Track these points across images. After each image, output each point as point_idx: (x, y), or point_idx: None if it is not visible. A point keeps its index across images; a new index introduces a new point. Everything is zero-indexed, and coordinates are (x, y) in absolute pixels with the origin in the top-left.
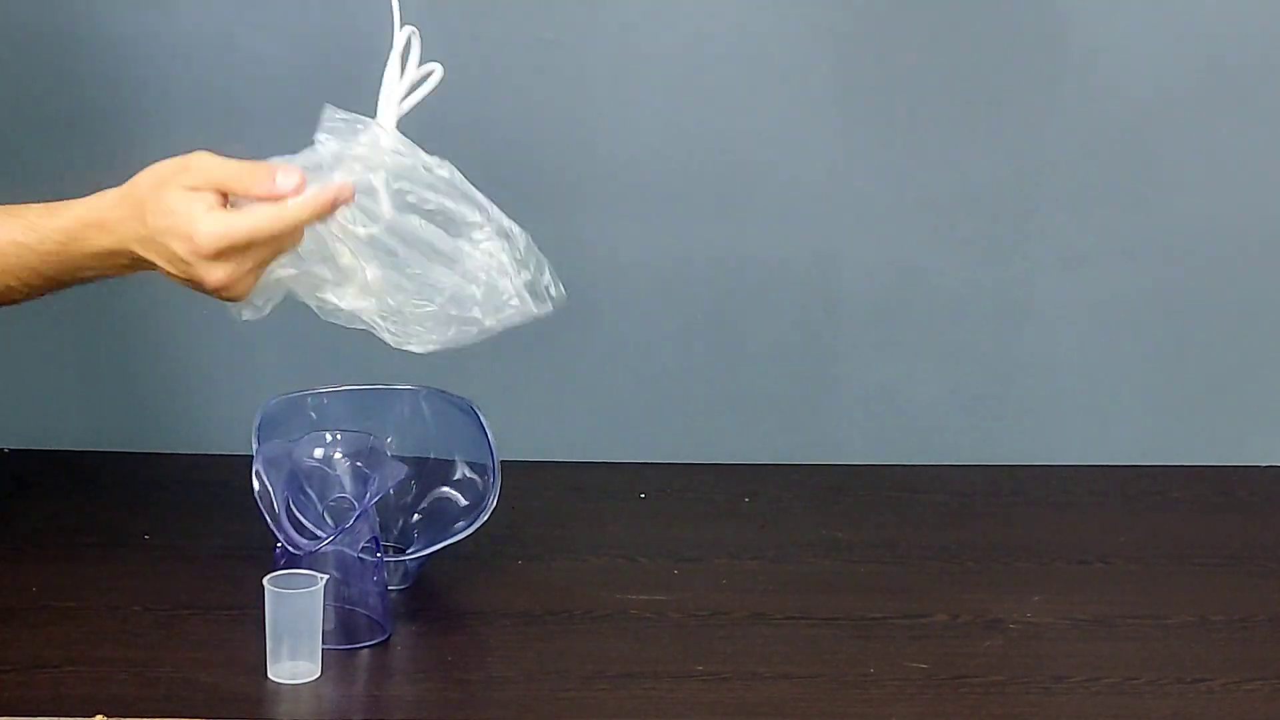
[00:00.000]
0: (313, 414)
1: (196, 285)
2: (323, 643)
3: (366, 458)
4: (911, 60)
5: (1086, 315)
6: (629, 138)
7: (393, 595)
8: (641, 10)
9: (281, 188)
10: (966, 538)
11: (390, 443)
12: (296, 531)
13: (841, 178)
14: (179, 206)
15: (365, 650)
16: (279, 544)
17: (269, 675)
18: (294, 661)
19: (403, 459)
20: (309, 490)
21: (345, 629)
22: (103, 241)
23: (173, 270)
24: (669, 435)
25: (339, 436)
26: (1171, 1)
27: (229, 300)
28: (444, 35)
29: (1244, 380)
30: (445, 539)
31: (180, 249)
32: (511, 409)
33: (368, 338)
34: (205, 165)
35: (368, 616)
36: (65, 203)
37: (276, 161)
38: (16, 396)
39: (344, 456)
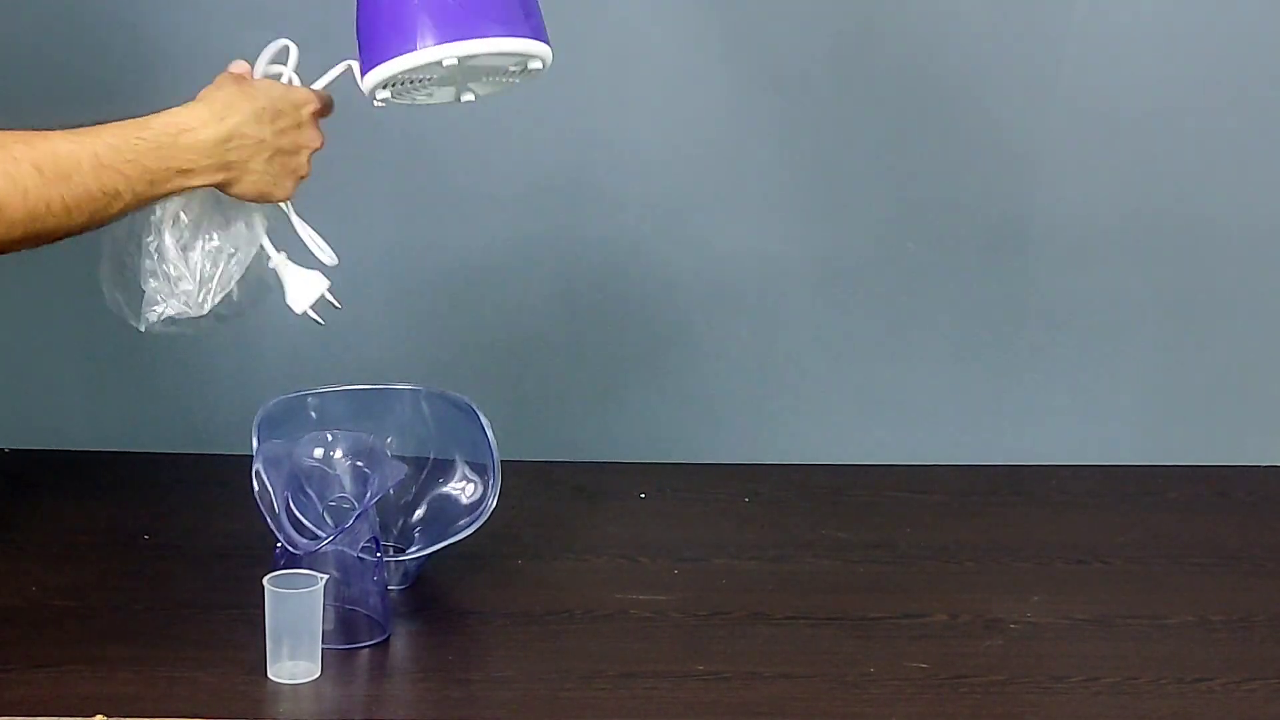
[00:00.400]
0: (313, 414)
1: (297, 158)
2: (323, 642)
3: (366, 458)
4: (912, 60)
5: (1085, 316)
6: (629, 137)
7: (393, 595)
8: (641, 10)
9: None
10: (966, 538)
11: (390, 443)
12: (296, 531)
13: (841, 177)
14: (268, 84)
15: (365, 650)
16: (279, 544)
17: (269, 675)
18: (294, 661)
19: (403, 459)
20: (309, 490)
21: (345, 629)
22: (213, 130)
23: (284, 144)
24: (669, 435)
25: (339, 436)
26: (1171, 2)
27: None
28: None
29: (1244, 380)
30: (445, 539)
31: (295, 113)
32: (511, 409)
33: (368, 338)
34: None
35: (368, 616)
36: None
37: None
38: (16, 396)
39: (344, 456)
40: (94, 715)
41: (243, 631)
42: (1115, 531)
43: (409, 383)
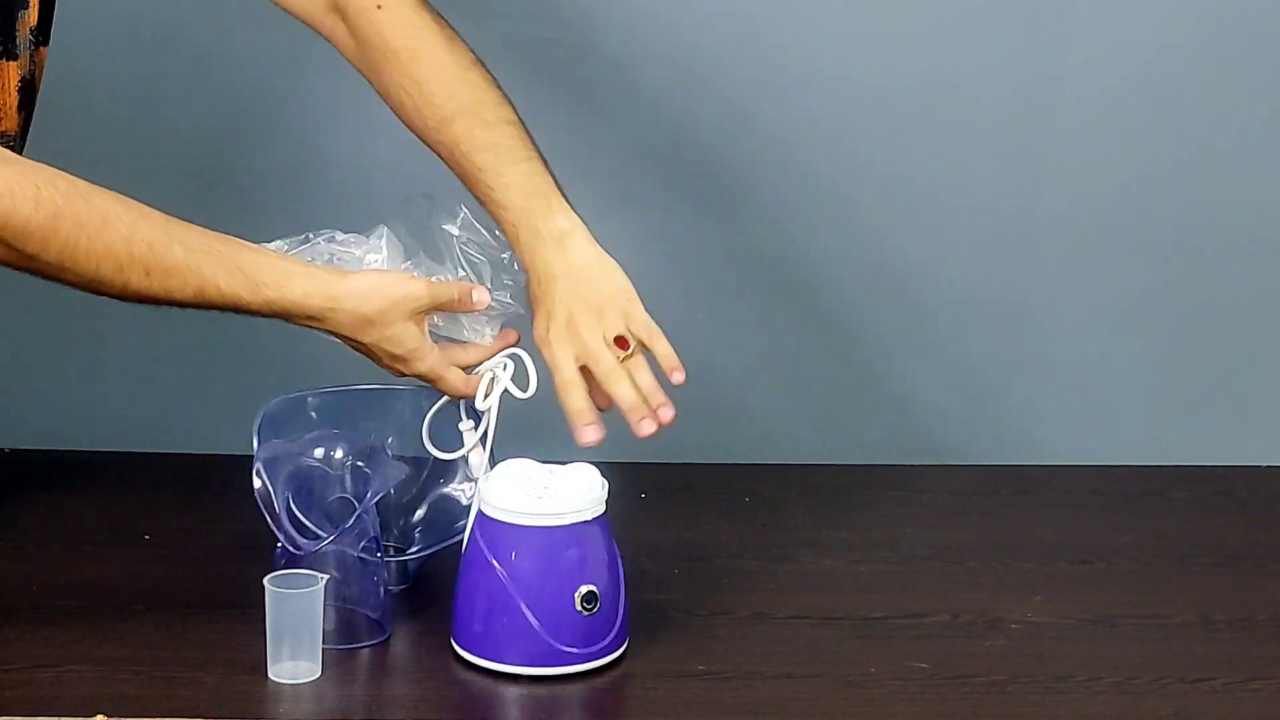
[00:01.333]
0: (313, 414)
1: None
2: (323, 642)
3: (366, 458)
4: (912, 60)
5: (1086, 315)
6: (629, 137)
7: (393, 595)
8: (641, 10)
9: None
10: (967, 537)
11: (390, 443)
12: (297, 531)
13: (842, 177)
14: (403, 334)
15: (365, 650)
16: (279, 544)
17: (269, 675)
18: (294, 661)
19: (403, 459)
20: (309, 490)
21: (345, 629)
22: (312, 325)
23: (384, 358)
24: (669, 435)
25: (339, 436)
26: (1172, 2)
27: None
28: None
29: (1244, 380)
30: (446, 539)
31: (390, 362)
32: (511, 410)
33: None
34: (422, 291)
35: (368, 616)
36: (284, 279)
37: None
38: (16, 396)
39: (344, 456)
40: (94, 715)
41: (243, 631)
42: (1118, 531)
43: (409, 383)
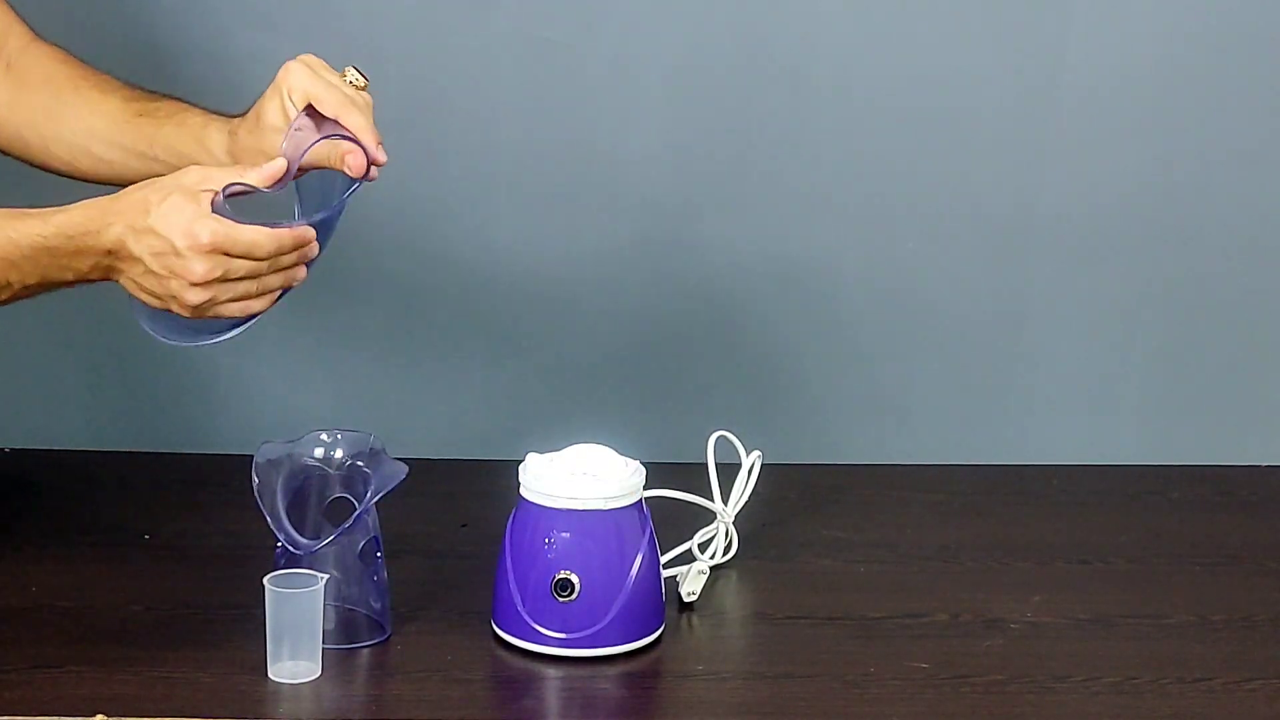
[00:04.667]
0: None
1: (170, 281)
2: (323, 642)
3: (366, 458)
4: (911, 59)
5: (1086, 315)
6: (629, 137)
7: (393, 596)
8: (641, 10)
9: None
10: (967, 537)
11: None
12: (297, 531)
13: (841, 177)
14: (183, 203)
15: (365, 650)
16: (279, 544)
17: (269, 675)
18: (294, 661)
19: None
20: (309, 490)
21: (345, 629)
22: (102, 238)
23: (154, 266)
24: (669, 435)
25: (339, 436)
26: (1170, 2)
27: (189, 310)
28: (445, 35)
29: (1244, 380)
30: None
31: (178, 239)
32: (511, 409)
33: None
34: (195, 171)
35: (368, 616)
36: (60, 207)
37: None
38: (16, 396)
39: (344, 456)
40: (94, 715)
41: (243, 631)
42: (1116, 531)
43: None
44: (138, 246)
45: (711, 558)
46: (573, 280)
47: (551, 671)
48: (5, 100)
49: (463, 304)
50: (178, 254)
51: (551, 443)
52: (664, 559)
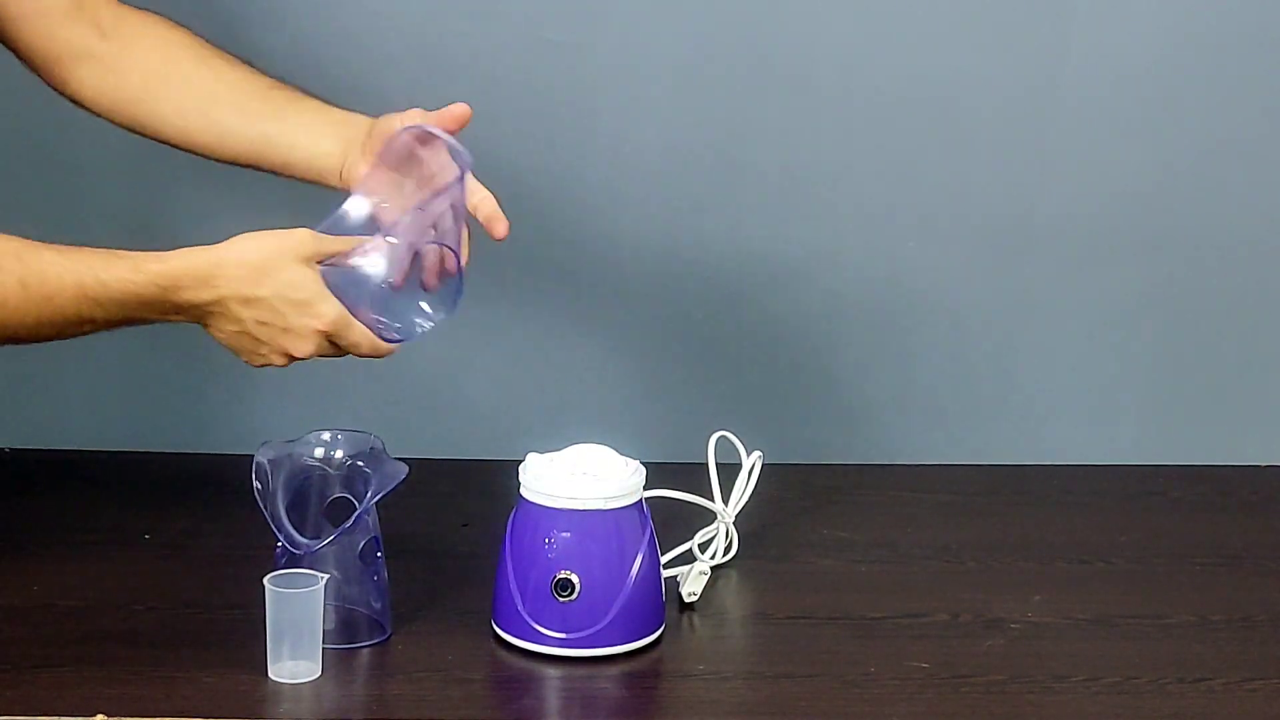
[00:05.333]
0: None
1: (264, 346)
2: (323, 642)
3: (366, 458)
4: (913, 60)
5: (1086, 316)
6: (631, 137)
7: (393, 595)
8: (643, 10)
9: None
10: (967, 537)
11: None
12: (297, 531)
13: (841, 177)
14: (303, 280)
15: (365, 650)
16: (280, 543)
17: (270, 675)
18: (294, 661)
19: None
20: (309, 490)
21: (346, 628)
22: (202, 295)
23: (256, 331)
24: (670, 435)
25: (339, 436)
26: (1171, 3)
27: (259, 364)
28: (445, 35)
29: (1244, 380)
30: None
31: (293, 317)
32: (511, 409)
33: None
34: (305, 235)
35: (368, 616)
36: (165, 253)
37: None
38: (17, 396)
39: (344, 456)
40: (95, 715)
41: (243, 631)
42: (1117, 531)
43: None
44: (244, 312)
45: (712, 558)
46: (574, 280)
47: (552, 671)
48: (108, 65)
49: (463, 304)
50: (286, 330)
51: (551, 443)
52: (664, 559)
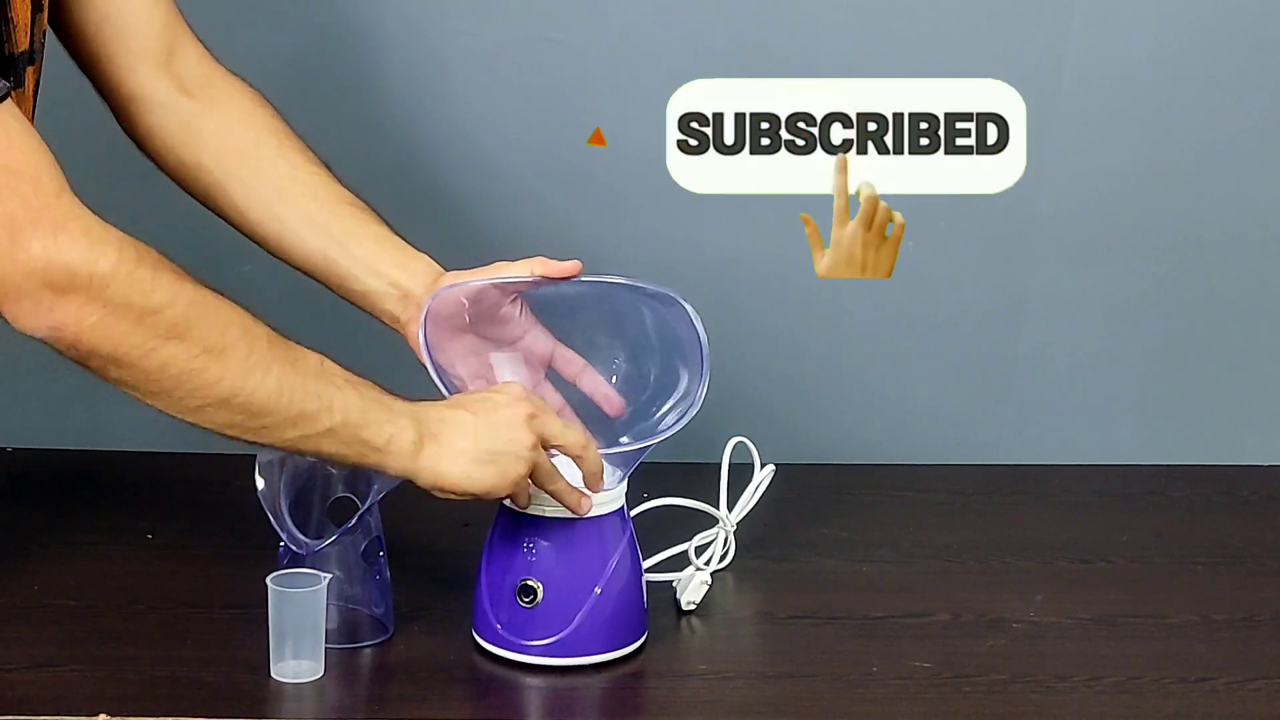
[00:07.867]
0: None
1: (497, 441)
2: (325, 642)
3: None
4: (910, 57)
5: (1086, 315)
6: (631, 136)
7: (395, 595)
8: (643, 10)
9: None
10: (969, 537)
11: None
12: (299, 530)
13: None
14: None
15: (368, 649)
16: (282, 543)
17: (272, 674)
18: (297, 660)
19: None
20: (311, 489)
21: (348, 628)
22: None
23: (481, 427)
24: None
25: None
26: (1170, 1)
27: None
28: (445, 35)
29: (1244, 380)
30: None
31: (495, 394)
32: None
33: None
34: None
35: (370, 616)
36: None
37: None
38: (17, 396)
39: None
40: (96, 715)
41: (245, 631)
42: (1118, 531)
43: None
44: (464, 405)
45: (707, 563)
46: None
47: (552, 672)
48: (184, 121)
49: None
50: (495, 407)
51: None
52: (662, 559)
